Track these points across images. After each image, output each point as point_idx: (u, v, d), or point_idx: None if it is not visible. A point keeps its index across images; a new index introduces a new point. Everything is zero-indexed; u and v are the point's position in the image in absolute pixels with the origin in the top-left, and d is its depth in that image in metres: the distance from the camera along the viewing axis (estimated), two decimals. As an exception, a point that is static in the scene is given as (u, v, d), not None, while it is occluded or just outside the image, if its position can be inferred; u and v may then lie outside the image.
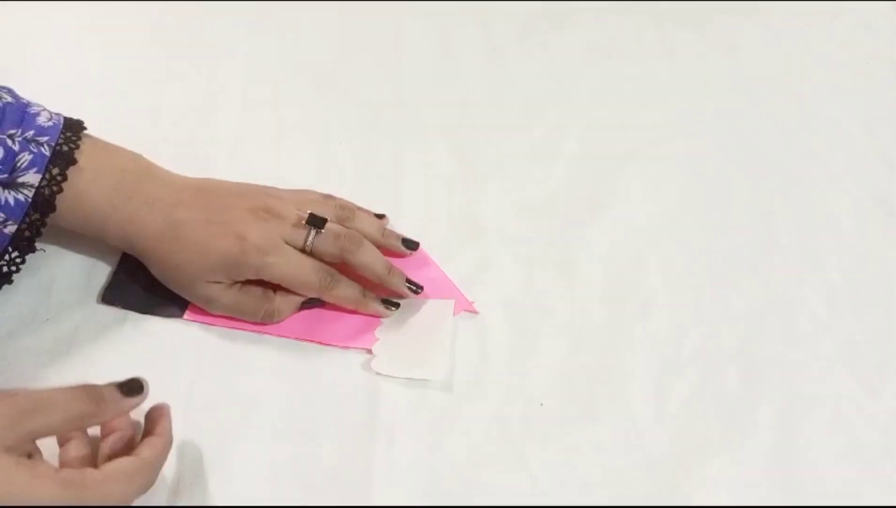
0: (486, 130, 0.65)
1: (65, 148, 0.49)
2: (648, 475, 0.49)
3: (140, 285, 0.53)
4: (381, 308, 0.53)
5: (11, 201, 0.47)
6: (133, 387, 0.43)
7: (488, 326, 0.54)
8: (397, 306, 0.54)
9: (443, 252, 0.57)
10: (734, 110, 0.68)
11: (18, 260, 0.50)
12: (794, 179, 0.64)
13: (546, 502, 0.48)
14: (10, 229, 0.48)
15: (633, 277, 0.57)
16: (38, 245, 0.50)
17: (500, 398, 0.51)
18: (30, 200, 0.47)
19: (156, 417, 0.45)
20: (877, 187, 0.64)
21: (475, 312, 0.55)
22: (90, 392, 0.41)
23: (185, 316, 0.53)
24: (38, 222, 0.48)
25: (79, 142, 0.49)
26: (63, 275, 0.55)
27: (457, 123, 0.66)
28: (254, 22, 0.71)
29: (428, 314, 0.54)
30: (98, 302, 0.53)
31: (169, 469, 0.46)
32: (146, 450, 0.42)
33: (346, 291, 0.52)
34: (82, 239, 0.55)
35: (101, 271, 0.55)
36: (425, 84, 0.68)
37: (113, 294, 0.53)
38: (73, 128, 0.50)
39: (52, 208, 0.48)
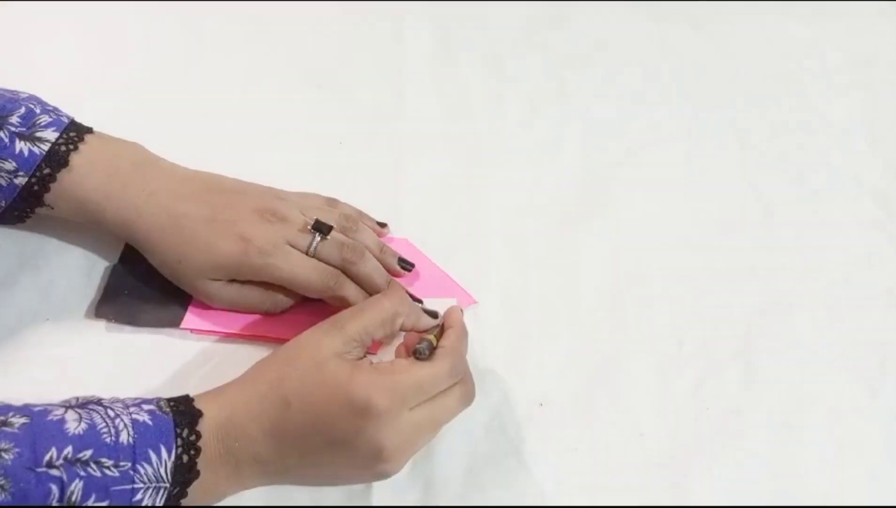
0: (486, 130, 0.66)
1: (62, 149, 0.49)
2: (648, 475, 0.49)
3: (134, 298, 0.53)
4: None
5: (26, 152, 0.48)
6: (435, 313, 0.51)
7: (488, 326, 0.54)
8: None
9: (443, 252, 0.57)
10: (734, 110, 0.68)
11: (28, 210, 0.50)
12: (794, 179, 0.64)
13: (546, 502, 0.48)
14: (21, 180, 0.48)
15: (634, 276, 0.57)
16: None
17: (500, 398, 0.51)
18: (44, 153, 0.48)
19: (447, 314, 0.50)
20: (877, 187, 0.64)
21: (475, 302, 0.55)
22: (393, 289, 0.50)
23: (182, 326, 0.52)
24: (49, 177, 0.49)
25: (81, 140, 0.50)
26: (63, 275, 0.55)
27: (457, 124, 0.66)
28: (254, 22, 0.71)
29: None
30: (93, 316, 0.53)
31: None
32: (443, 341, 0.48)
33: (349, 295, 0.52)
34: (82, 240, 0.56)
35: (101, 272, 0.55)
36: (425, 84, 0.68)
37: (107, 308, 0.53)
38: (78, 128, 0.51)
39: (65, 164, 0.49)
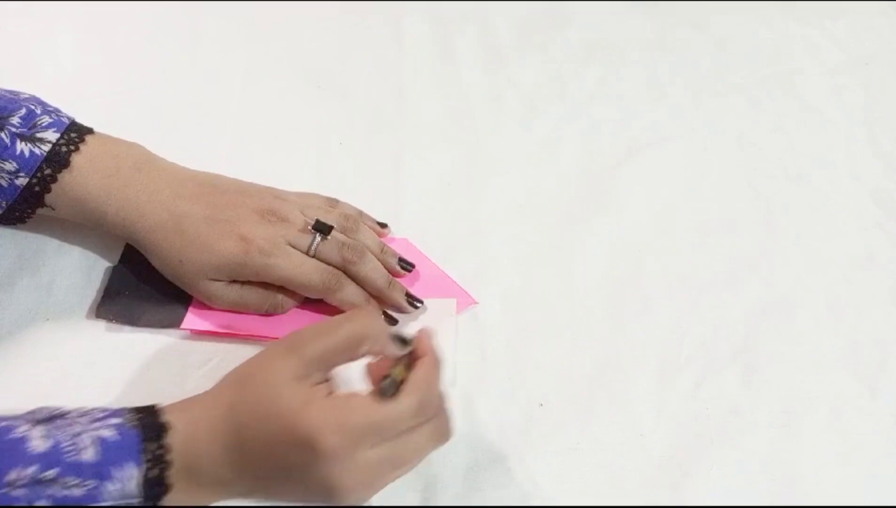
0: (486, 130, 0.66)
1: (63, 150, 0.49)
2: (648, 475, 0.49)
3: (134, 298, 0.53)
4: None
5: (27, 153, 0.48)
6: (404, 339, 0.44)
7: (488, 326, 0.54)
8: (396, 321, 0.53)
9: (443, 252, 0.57)
10: (734, 110, 0.68)
11: (29, 211, 0.50)
12: (794, 179, 0.64)
13: (546, 502, 0.48)
14: (22, 181, 0.49)
15: (633, 276, 0.57)
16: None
17: (500, 398, 0.51)
18: (45, 154, 0.48)
19: (418, 341, 0.44)
20: (877, 187, 0.64)
21: (475, 302, 0.55)
22: (358, 312, 0.44)
23: (182, 326, 0.52)
24: (49, 177, 0.49)
25: (82, 140, 0.50)
26: (63, 275, 0.55)
27: (457, 123, 0.66)
28: (254, 22, 0.71)
29: (431, 315, 0.54)
30: (93, 317, 0.53)
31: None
32: (413, 373, 0.43)
33: (349, 295, 0.52)
34: (82, 240, 0.56)
35: (101, 272, 0.55)
36: (425, 84, 0.68)
37: (107, 309, 0.53)
38: (79, 129, 0.51)
39: (66, 164, 0.49)
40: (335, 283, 0.51)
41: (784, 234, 0.60)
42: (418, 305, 0.54)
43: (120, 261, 0.55)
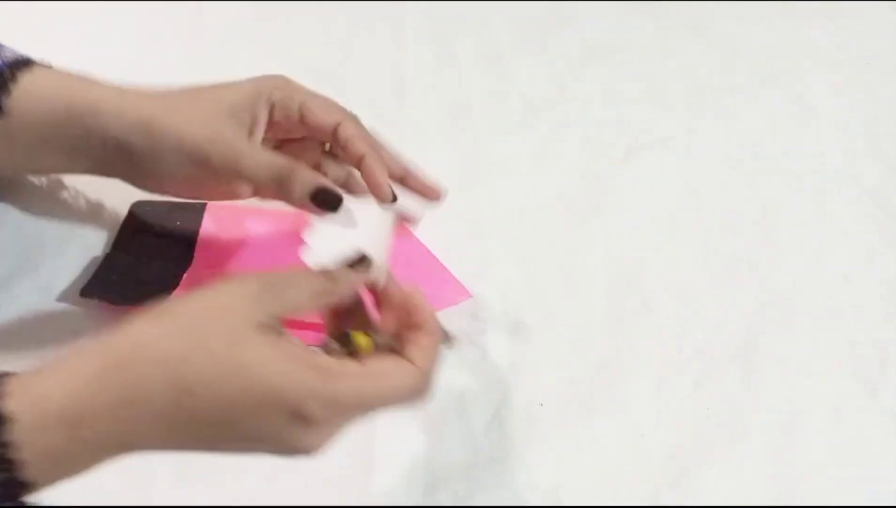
0: (486, 130, 0.66)
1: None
2: (648, 475, 0.49)
3: (121, 280, 0.53)
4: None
5: None
6: (358, 261, 0.40)
7: (488, 325, 0.54)
8: (396, 197, 0.48)
9: (443, 252, 0.57)
10: (734, 110, 0.68)
11: None
12: (794, 179, 0.64)
13: (546, 502, 0.48)
14: None
15: (634, 276, 0.57)
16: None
17: (500, 398, 0.51)
18: None
19: (416, 309, 0.39)
20: (877, 187, 0.64)
21: (470, 296, 0.55)
22: (322, 271, 0.39)
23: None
24: None
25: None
26: (63, 275, 0.55)
27: (457, 123, 0.66)
28: (254, 21, 0.71)
29: (368, 223, 0.46)
30: (94, 317, 0.52)
31: (168, 468, 0.46)
32: (416, 353, 0.37)
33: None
34: (82, 239, 0.55)
35: (101, 271, 0.55)
36: (425, 83, 0.68)
37: (92, 288, 0.52)
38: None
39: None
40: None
41: (784, 234, 0.60)
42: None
43: (113, 247, 0.55)
